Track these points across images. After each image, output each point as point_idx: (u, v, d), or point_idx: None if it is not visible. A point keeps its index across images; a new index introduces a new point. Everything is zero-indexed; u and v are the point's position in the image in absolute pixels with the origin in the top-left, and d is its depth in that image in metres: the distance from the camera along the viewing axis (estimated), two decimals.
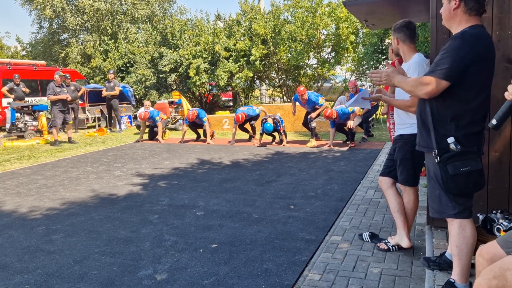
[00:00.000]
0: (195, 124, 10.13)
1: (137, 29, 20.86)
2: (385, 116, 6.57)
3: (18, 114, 11.39)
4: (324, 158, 7.47)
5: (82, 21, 21.61)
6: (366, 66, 14.15)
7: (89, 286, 2.94)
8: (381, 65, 13.61)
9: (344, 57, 15.18)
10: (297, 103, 9.45)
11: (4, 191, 5.71)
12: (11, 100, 12.03)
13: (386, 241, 3.40)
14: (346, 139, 9.07)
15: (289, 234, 3.82)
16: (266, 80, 18.08)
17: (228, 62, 15.95)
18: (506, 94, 1.42)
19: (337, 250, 3.43)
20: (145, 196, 5.28)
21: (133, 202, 5.02)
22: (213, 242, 3.69)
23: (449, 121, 2.24)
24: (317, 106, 9.18)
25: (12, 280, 3.07)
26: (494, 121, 1.44)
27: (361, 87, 9.98)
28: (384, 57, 13.07)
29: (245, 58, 15.91)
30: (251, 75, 15.99)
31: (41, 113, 11.48)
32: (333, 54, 15.47)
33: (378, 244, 3.43)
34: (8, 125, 11.79)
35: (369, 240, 3.56)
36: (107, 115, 13.30)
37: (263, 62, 16.13)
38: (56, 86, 10.01)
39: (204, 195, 5.24)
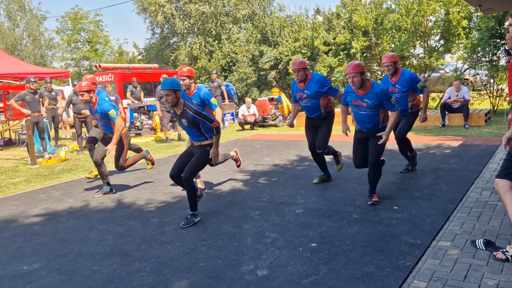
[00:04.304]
0: None
1: (238, 29, 21.63)
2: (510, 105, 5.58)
3: (136, 114, 12.62)
4: (431, 155, 6.99)
5: (189, 25, 23.05)
6: (481, 53, 12.86)
7: (196, 277, 3.16)
8: (499, 51, 12.26)
9: (455, 45, 13.97)
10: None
11: (124, 184, 6.37)
12: (130, 101, 13.34)
13: (504, 250, 3.08)
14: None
15: (391, 236, 3.67)
16: (368, 73, 17.45)
17: (328, 56, 15.73)
18: None
19: (445, 256, 3.20)
20: (247, 192, 5.48)
21: (236, 198, 5.24)
22: (312, 241, 3.70)
23: None
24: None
25: (131, 267, 3.43)
26: None
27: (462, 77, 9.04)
28: (503, 42, 11.74)
29: (345, 52, 15.52)
30: None
31: (154, 112, 12.57)
32: (442, 42, 14.32)
33: (494, 253, 3.12)
34: (127, 124, 13.13)
35: (484, 248, 3.25)
36: None
37: (364, 55, 15.58)
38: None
39: (304, 193, 5.26)
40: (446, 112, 10.42)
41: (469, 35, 13.54)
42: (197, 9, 21.87)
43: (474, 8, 9.60)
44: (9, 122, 12.22)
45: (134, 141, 11.38)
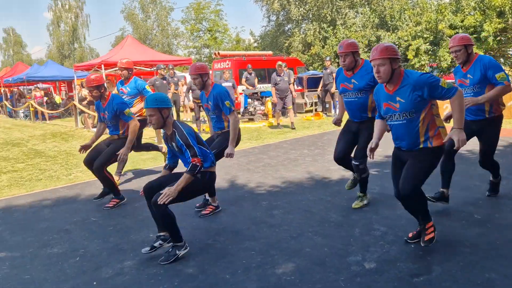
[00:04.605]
0: None
1: (355, 14, 20.93)
2: None
3: (250, 100, 13.12)
4: None
5: (304, 11, 23.02)
6: None
7: (302, 262, 3.23)
8: None
9: None
10: None
11: (238, 167, 6.71)
12: (245, 87, 13.90)
13: None
14: None
15: None
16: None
17: None
18: None
19: None
20: None
21: (345, 188, 5.16)
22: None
23: None
24: None
25: (242, 245, 3.63)
26: None
27: None
28: None
29: (475, 35, 14.06)
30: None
31: (267, 98, 12.92)
32: None
33: None
34: (242, 109, 13.71)
35: None
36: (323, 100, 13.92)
37: (498, 38, 13.94)
38: (277, 76, 11.09)
39: None
40: None
41: None
42: None
43: None
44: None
45: (248, 125, 11.86)
